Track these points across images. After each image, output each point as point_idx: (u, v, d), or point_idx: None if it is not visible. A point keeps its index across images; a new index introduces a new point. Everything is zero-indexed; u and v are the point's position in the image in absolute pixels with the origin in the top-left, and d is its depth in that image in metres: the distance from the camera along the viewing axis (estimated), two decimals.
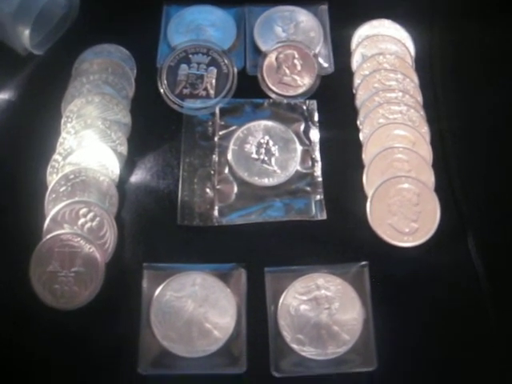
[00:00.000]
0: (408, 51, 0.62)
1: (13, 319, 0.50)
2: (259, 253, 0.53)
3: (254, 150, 0.57)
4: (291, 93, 0.60)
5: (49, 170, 0.55)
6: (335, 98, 0.61)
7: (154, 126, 0.59)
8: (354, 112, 0.60)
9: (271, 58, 0.61)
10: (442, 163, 0.57)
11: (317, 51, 0.63)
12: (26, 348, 0.49)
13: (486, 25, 0.65)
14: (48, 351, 0.49)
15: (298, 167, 0.56)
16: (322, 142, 0.58)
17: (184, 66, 0.61)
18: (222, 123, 0.58)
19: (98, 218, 0.53)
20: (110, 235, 0.52)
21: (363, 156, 0.57)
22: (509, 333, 0.50)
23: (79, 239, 0.51)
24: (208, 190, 0.56)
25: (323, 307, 0.50)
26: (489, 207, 0.55)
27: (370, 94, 0.59)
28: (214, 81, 0.60)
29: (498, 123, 0.60)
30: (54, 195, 0.54)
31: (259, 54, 0.62)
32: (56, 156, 0.56)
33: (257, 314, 0.50)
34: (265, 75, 0.61)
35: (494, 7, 0.66)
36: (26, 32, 0.59)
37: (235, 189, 0.56)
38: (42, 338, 0.49)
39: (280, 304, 0.50)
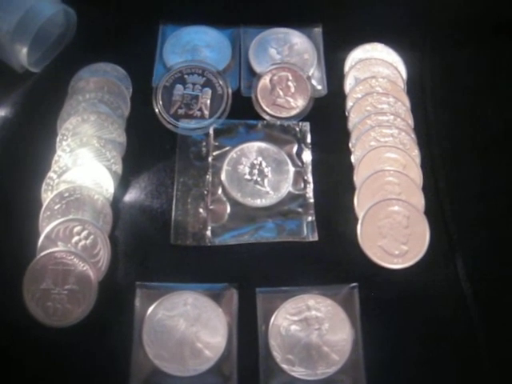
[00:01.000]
0: (400, 75, 0.63)
1: (5, 335, 0.50)
2: (251, 273, 0.53)
3: (247, 170, 0.58)
4: (284, 114, 0.61)
5: (44, 187, 0.56)
6: (328, 120, 0.62)
7: (149, 146, 0.60)
8: (346, 134, 0.61)
9: (265, 80, 0.62)
10: (432, 186, 0.58)
11: (310, 73, 0.63)
12: (17, 364, 0.49)
13: (476, 49, 0.66)
14: (40, 368, 0.49)
15: (290, 188, 0.57)
16: (314, 163, 0.59)
17: (179, 87, 0.61)
18: (216, 144, 0.59)
19: (91, 236, 0.53)
20: (104, 253, 0.53)
21: (355, 178, 0.58)
22: (497, 355, 0.51)
23: (73, 257, 0.52)
24: (201, 210, 0.56)
25: (313, 328, 0.50)
26: (478, 230, 0.56)
27: (362, 116, 0.60)
28: (208, 101, 0.61)
29: (488, 146, 0.60)
30: (48, 213, 0.54)
31: (254, 75, 0.63)
32: (51, 174, 0.56)
33: (248, 333, 0.51)
34: (259, 97, 0.61)
35: (485, 32, 0.67)
36: (24, 50, 0.59)
37: (228, 209, 0.56)
38: (34, 355, 0.50)
39: (271, 324, 0.50)
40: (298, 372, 0.49)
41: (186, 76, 0.62)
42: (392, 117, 0.60)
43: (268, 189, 0.57)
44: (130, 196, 0.57)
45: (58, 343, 0.50)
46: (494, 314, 0.52)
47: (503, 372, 0.50)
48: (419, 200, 0.56)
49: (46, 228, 0.53)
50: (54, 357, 0.50)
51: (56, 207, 0.54)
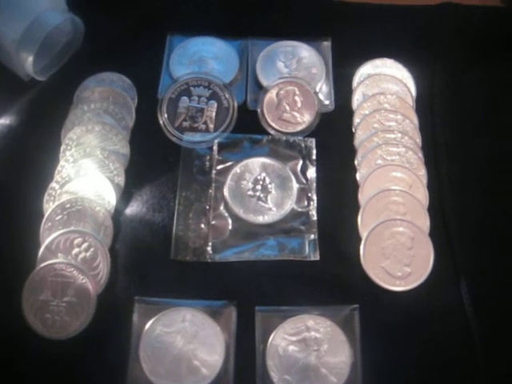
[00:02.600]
0: (409, 91, 0.62)
1: (3, 346, 0.50)
2: (251, 291, 0.53)
3: (250, 186, 0.57)
4: (290, 130, 0.60)
5: (46, 197, 0.56)
6: (334, 136, 0.61)
7: (152, 158, 0.59)
8: (352, 151, 0.60)
9: (272, 94, 0.62)
10: (438, 207, 0.57)
11: (318, 88, 0.63)
12: (14, 375, 0.49)
13: (487, 68, 0.65)
14: (36, 380, 0.49)
15: (293, 205, 0.56)
16: (318, 180, 0.58)
17: (185, 99, 0.61)
18: (220, 158, 0.59)
19: (92, 249, 0.53)
20: (103, 267, 0.53)
21: (359, 197, 0.57)
22: (498, 379, 0.50)
23: (72, 269, 0.51)
24: (203, 226, 0.56)
25: (312, 349, 0.50)
26: (483, 254, 0.55)
27: (369, 134, 0.59)
28: (213, 114, 0.60)
29: (497, 168, 0.59)
30: (49, 223, 0.54)
31: (260, 89, 0.63)
32: (53, 184, 0.56)
33: (245, 352, 0.50)
34: (265, 111, 0.61)
35: (496, 50, 0.66)
36: (30, 58, 0.59)
37: (230, 225, 0.56)
38: (31, 367, 0.49)
39: (269, 344, 0.50)
40: None
41: (191, 88, 0.61)
42: (399, 135, 0.59)
43: (271, 205, 0.56)
44: (132, 209, 0.57)
45: (56, 355, 0.50)
46: (497, 339, 0.51)
47: None
48: (424, 221, 0.55)
49: (47, 239, 0.53)
50: (50, 369, 0.49)
51: (57, 218, 0.54)
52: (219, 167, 0.58)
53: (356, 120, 0.61)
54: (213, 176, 0.58)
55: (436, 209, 0.56)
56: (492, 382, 0.50)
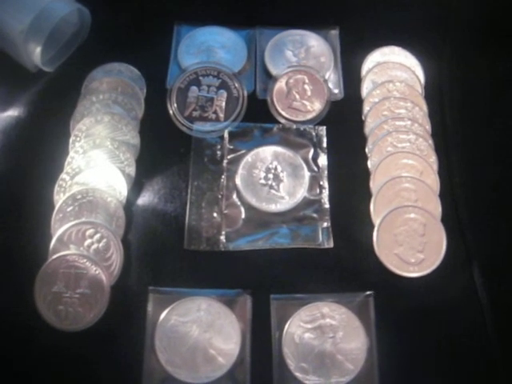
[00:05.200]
0: (418, 79, 0.62)
1: (16, 338, 0.50)
2: (265, 279, 0.53)
3: (262, 175, 0.57)
4: (301, 118, 0.60)
5: (56, 189, 0.55)
6: (344, 124, 0.61)
7: (163, 148, 0.59)
8: (362, 139, 0.60)
9: (281, 83, 0.61)
10: (450, 193, 0.57)
11: (327, 77, 0.63)
12: (28, 368, 0.49)
13: (496, 54, 0.65)
14: (50, 372, 0.49)
15: (305, 194, 0.56)
16: (330, 168, 0.58)
17: (194, 88, 0.61)
18: (231, 147, 0.58)
19: (104, 240, 0.53)
20: (116, 257, 0.52)
21: (371, 184, 0.57)
22: None
23: (85, 260, 0.51)
24: (215, 215, 0.56)
25: (328, 336, 0.50)
26: (495, 238, 0.55)
27: (379, 121, 0.59)
28: (223, 104, 0.60)
29: (507, 153, 0.60)
30: (60, 215, 0.54)
31: (269, 78, 0.63)
32: (64, 175, 0.56)
33: (261, 341, 0.50)
34: (274, 100, 0.61)
35: (505, 37, 0.66)
36: (38, 50, 0.59)
37: (243, 214, 0.56)
38: (46, 359, 0.49)
39: (285, 332, 0.50)
40: (311, 380, 0.49)
41: (200, 78, 0.61)
42: (409, 122, 0.59)
43: (283, 194, 0.56)
44: (144, 199, 0.57)
45: (70, 347, 0.50)
46: (509, 322, 0.52)
47: None
48: (436, 207, 0.55)
49: (59, 230, 0.53)
50: (65, 361, 0.49)
51: (69, 209, 0.54)
52: (230, 156, 0.58)
53: (366, 108, 0.61)
54: (224, 165, 0.58)
55: (447, 195, 0.57)
56: (506, 364, 0.50)
